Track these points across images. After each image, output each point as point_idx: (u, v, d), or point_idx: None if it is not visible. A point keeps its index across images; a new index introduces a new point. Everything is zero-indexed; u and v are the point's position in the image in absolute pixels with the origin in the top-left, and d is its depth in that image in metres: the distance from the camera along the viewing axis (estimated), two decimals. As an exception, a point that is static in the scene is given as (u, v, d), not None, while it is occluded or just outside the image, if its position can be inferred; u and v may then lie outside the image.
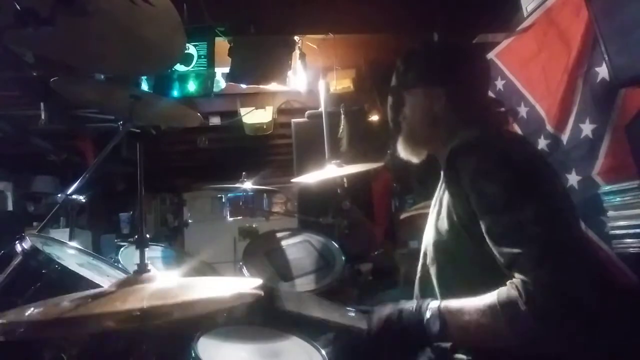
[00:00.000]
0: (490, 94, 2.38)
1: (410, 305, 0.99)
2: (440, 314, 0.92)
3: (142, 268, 0.89)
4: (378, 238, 3.52)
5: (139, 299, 0.75)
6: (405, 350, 0.99)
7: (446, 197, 1.04)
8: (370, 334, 0.99)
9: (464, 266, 1.00)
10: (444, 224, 1.03)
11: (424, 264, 1.14)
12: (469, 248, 0.97)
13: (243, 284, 0.88)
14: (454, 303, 0.92)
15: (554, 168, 1.10)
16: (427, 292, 1.10)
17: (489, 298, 0.86)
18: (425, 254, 1.14)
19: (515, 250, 0.84)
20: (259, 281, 0.88)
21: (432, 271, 1.09)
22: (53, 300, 0.83)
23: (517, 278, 0.83)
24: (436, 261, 1.08)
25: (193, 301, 0.75)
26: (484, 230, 0.91)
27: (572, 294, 0.79)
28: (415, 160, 1.24)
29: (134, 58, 1.34)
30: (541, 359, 0.86)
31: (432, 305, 0.95)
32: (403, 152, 1.24)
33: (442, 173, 1.08)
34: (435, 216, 1.10)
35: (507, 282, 0.86)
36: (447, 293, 1.01)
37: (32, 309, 0.78)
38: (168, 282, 0.89)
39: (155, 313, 0.68)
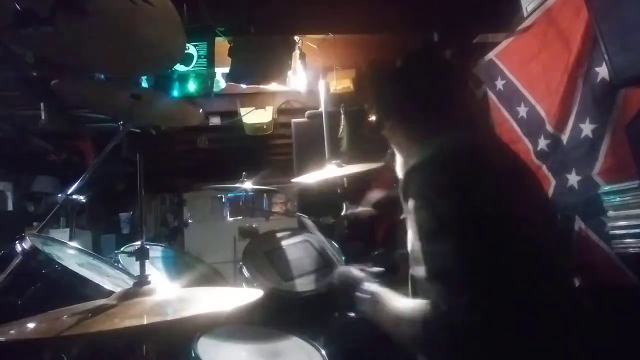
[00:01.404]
0: (491, 94, 2.39)
1: (358, 277, 1.18)
2: (370, 298, 1.09)
3: (143, 280, 0.90)
4: (378, 238, 3.52)
5: (138, 315, 0.75)
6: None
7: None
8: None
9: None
10: (413, 232, 1.09)
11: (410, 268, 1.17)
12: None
13: (242, 296, 0.88)
14: (384, 293, 1.09)
15: (514, 185, 1.05)
16: (417, 293, 1.11)
17: (407, 307, 0.99)
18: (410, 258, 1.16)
19: (431, 274, 0.93)
20: (259, 292, 0.90)
21: (413, 276, 1.11)
22: (53, 314, 0.83)
23: (433, 297, 0.91)
24: (413, 266, 1.10)
25: (192, 317, 0.76)
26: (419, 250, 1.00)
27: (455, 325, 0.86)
28: None
29: (134, 58, 1.34)
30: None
31: (369, 287, 1.12)
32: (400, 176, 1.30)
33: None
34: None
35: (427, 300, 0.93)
36: (424, 298, 1.03)
37: (32, 323, 0.78)
38: (168, 294, 0.89)
39: (154, 329, 0.69)
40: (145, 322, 0.72)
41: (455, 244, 0.90)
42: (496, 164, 1.06)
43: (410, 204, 1.02)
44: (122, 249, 1.73)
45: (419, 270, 0.99)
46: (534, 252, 0.95)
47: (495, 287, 0.88)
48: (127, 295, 0.86)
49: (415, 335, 0.94)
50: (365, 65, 1.42)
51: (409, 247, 1.12)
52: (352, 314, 1.25)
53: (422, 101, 1.17)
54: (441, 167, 1.03)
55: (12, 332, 0.75)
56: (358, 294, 1.13)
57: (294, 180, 2.29)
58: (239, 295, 0.91)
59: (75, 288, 1.12)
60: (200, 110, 1.88)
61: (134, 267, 1.17)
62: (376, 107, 1.28)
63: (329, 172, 2.06)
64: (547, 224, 1.08)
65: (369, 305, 1.10)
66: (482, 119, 1.27)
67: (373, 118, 1.30)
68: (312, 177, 2.09)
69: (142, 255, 0.94)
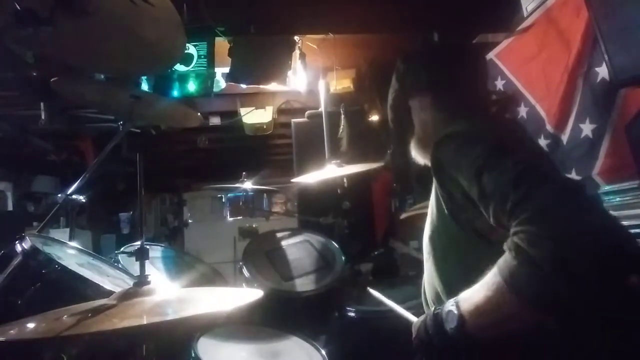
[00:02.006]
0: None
1: (432, 310, 0.94)
2: (456, 304, 0.87)
3: (142, 280, 0.90)
4: (378, 238, 3.52)
5: (138, 315, 0.76)
6: None
7: (436, 190, 1.06)
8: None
9: (461, 258, 1.01)
10: (438, 218, 1.05)
11: (426, 260, 1.15)
12: (463, 239, 0.98)
13: (242, 296, 0.88)
14: (466, 291, 0.88)
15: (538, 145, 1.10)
16: (431, 289, 1.11)
17: (492, 270, 0.81)
18: (425, 251, 1.15)
19: (502, 206, 0.80)
20: (259, 292, 0.89)
21: (433, 266, 1.09)
22: (53, 314, 0.83)
23: (510, 237, 0.78)
24: (435, 256, 1.09)
25: (192, 317, 0.76)
26: (479, 204, 0.88)
27: (570, 239, 0.70)
28: (424, 161, 1.28)
29: (134, 58, 1.34)
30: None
31: (451, 301, 0.89)
32: (415, 156, 1.29)
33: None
34: (431, 212, 1.12)
35: (504, 246, 0.80)
36: (449, 287, 1.01)
37: (32, 323, 0.78)
38: (168, 294, 0.89)
39: (154, 329, 0.69)
40: (145, 322, 0.72)
41: (533, 156, 0.86)
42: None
43: (449, 168, 0.95)
44: (122, 249, 1.73)
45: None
46: None
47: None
48: (127, 295, 0.86)
49: (515, 276, 0.74)
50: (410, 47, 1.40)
51: (429, 231, 1.09)
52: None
53: (472, 79, 1.20)
54: (487, 131, 1.00)
55: (12, 332, 0.75)
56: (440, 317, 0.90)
57: (294, 180, 2.29)
58: (239, 295, 0.91)
59: (75, 288, 1.12)
60: (199, 114, 1.87)
61: (134, 267, 1.17)
62: (410, 79, 1.25)
63: (329, 172, 2.06)
64: None
65: (458, 308, 0.87)
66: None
67: (403, 86, 1.28)
68: (312, 177, 2.09)
69: (142, 255, 0.94)
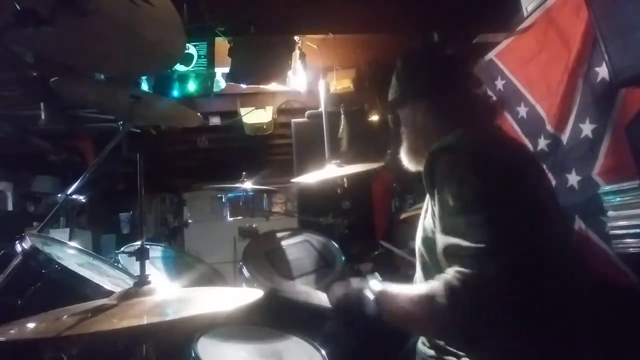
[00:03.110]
0: (491, 94, 2.39)
1: (356, 286, 1.06)
2: (376, 297, 0.99)
3: (143, 280, 0.90)
4: (378, 238, 3.52)
5: (138, 315, 0.75)
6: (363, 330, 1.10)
7: (427, 198, 1.07)
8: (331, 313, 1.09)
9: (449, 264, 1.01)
10: (429, 224, 1.06)
11: (417, 263, 1.16)
12: None
13: (243, 296, 0.88)
14: (393, 288, 0.99)
15: (537, 173, 1.09)
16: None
17: (422, 288, 0.91)
18: (417, 254, 1.15)
19: (458, 243, 0.87)
20: (259, 292, 0.89)
21: (423, 269, 1.10)
22: (53, 314, 0.83)
23: (450, 271, 0.86)
24: (424, 259, 1.10)
25: (192, 317, 0.76)
26: (440, 230, 0.94)
27: (496, 297, 0.80)
28: (416, 168, 1.27)
29: (134, 58, 1.35)
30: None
31: (373, 287, 1.02)
32: (406, 163, 1.30)
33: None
34: (423, 216, 1.14)
35: (442, 274, 0.88)
36: None
37: (32, 323, 0.78)
38: (168, 294, 0.89)
39: (154, 329, 0.69)
40: (145, 322, 0.72)
41: (502, 211, 0.87)
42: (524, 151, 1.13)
43: (443, 180, 0.97)
44: (122, 249, 1.73)
45: (447, 241, 0.92)
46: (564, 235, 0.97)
47: (534, 255, 0.84)
48: (127, 295, 0.86)
49: (438, 312, 0.85)
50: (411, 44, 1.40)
51: (421, 235, 1.11)
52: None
53: (469, 87, 1.21)
54: (481, 147, 1.02)
55: (12, 332, 0.75)
56: (364, 301, 1.02)
57: (294, 180, 2.29)
58: (239, 295, 0.91)
59: (75, 288, 1.12)
60: (198, 114, 1.87)
61: (134, 267, 1.17)
62: (405, 84, 1.26)
63: (329, 172, 2.06)
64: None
65: (379, 304, 0.99)
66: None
67: (393, 96, 1.29)
68: (312, 177, 2.09)
69: (142, 255, 0.94)
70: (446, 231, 0.91)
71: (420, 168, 1.21)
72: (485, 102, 1.24)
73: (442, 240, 0.92)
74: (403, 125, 1.28)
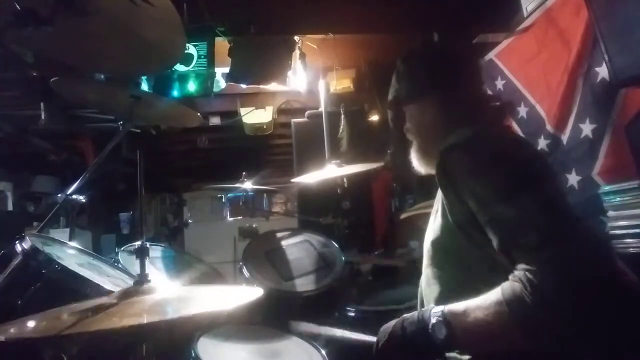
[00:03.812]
0: (489, 92, 2.39)
1: (413, 314, 0.95)
2: (445, 318, 0.88)
3: (143, 278, 0.89)
4: (378, 238, 3.52)
5: (138, 314, 0.75)
6: None
7: (441, 198, 1.04)
8: (378, 349, 0.98)
9: (463, 266, 1.00)
10: (441, 225, 1.04)
11: (426, 265, 1.15)
12: (466, 248, 0.97)
13: (243, 294, 0.88)
14: (458, 305, 0.89)
15: (551, 168, 1.09)
16: (429, 294, 1.10)
17: (494, 295, 0.82)
18: (426, 255, 1.15)
19: (516, 240, 0.82)
20: (259, 290, 0.88)
21: (433, 272, 1.09)
22: (53, 312, 0.83)
23: (520, 270, 0.80)
24: (436, 262, 1.08)
25: (192, 316, 0.76)
26: (485, 226, 0.89)
27: (582, 278, 0.74)
28: (428, 170, 1.24)
29: (134, 58, 1.34)
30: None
31: (436, 310, 0.91)
32: (416, 165, 1.27)
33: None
34: (434, 216, 1.11)
35: (510, 276, 0.82)
36: (448, 294, 1.00)
37: (32, 322, 0.78)
38: (168, 293, 0.89)
39: (154, 328, 0.69)
40: (145, 321, 0.72)
41: (541, 191, 0.84)
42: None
43: (458, 183, 0.94)
44: (122, 248, 1.72)
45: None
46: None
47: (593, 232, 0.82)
48: (127, 294, 0.86)
49: (523, 314, 0.77)
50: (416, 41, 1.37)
51: (431, 236, 1.08)
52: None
53: (475, 83, 1.20)
54: (496, 141, 1.00)
55: (12, 331, 0.75)
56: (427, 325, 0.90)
57: (294, 180, 2.29)
58: (239, 295, 0.91)
59: (76, 288, 1.12)
60: (198, 114, 1.87)
61: (134, 267, 1.17)
62: (414, 80, 1.22)
63: (329, 172, 2.06)
64: None
65: (450, 322, 0.87)
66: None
67: (401, 93, 1.25)
68: (312, 177, 2.09)
69: (142, 254, 0.93)
70: (493, 228, 0.86)
71: (430, 170, 1.19)
72: (493, 100, 1.24)
73: (495, 232, 0.86)
74: (409, 123, 1.24)
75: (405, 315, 0.98)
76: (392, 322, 0.99)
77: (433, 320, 0.89)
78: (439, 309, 0.91)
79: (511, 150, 0.96)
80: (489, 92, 1.26)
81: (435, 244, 1.07)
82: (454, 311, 0.88)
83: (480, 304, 0.85)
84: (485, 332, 0.83)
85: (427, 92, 1.18)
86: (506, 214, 0.85)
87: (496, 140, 1.01)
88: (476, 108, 1.15)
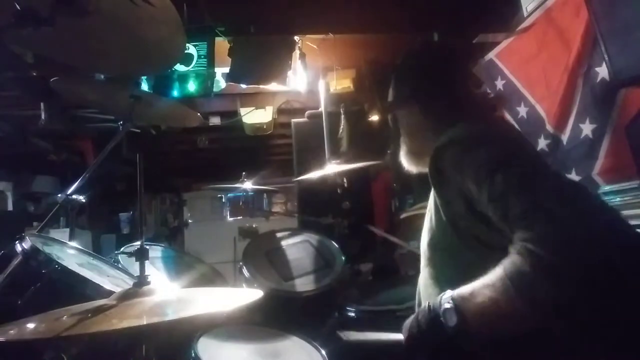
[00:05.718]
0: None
1: (424, 306, 0.93)
2: (454, 302, 0.85)
3: (142, 280, 0.89)
4: (378, 238, 3.52)
5: (137, 315, 0.75)
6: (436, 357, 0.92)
7: (434, 197, 1.05)
8: (405, 348, 0.97)
9: (459, 266, 1.00)
10: (436, 225, 1.04)
11: (423, 266, 1.15)
12: (462, 247, 0.97)
13: (243, 296, 0.88)
14: (465, 288, 0.87)
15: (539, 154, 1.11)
16: (427, 294, 1.10)
17: (496, 271, 0.81)
18: (423, 256, 1.15)
19: (513, 210, 0.81)
20: (259, 292, 0.88)
21: (430, 272, 1.09)
22: (53, 314, 0.83)
23: (517, 242, 0.79)
24: (433, 262, 1.08)
25: (192, 317, 0.76)
26: (486, 207, 0.88)
27: (581, 243, 0.72)
28: (417, 170, 1.26)
29: (134, 58, 1.35)
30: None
31: (446, 296, 0.88)
32: (407, 166, 1.29)
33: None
34: (428, 217, 1.12)
35: (510, 250, 0.80)
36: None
37: (32, 324, 0.78)
38: (167, 295, 0.89)
39: (153, 330, 0.68)
40: (144, 322, 0.72)
41: (533, 164, 0.86)
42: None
43: (450, 177, 0.95)
44: (122, 249, 1.73)
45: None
46: None
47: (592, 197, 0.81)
48: (127, 296, 0.86)
49: (524, 285, 0.75)
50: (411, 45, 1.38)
51: (427, 237, 1.08)
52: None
53: (462, 81, 1.21)
54: (487, 136, 1.00)
55: (12, 332, 0.75)
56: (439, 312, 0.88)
57: (295, 179, 2.29)
58: (239, 295, 0.91)
59: (75, 288, 1.12)
60: (198, 114, 1.87)
61: (134, 267, 1.17)
62: (400, 87, 1.25)
63: (329, 171, 2.06)
64: None
65: (460, 307, 0.85)
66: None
67: (391, 96, 1.28)
68: (312, 177, 2.10)
69: (142, 255, 0.93)
70: (492, 205, 0.85)
71: (422, 169, 1.21)
72: (483, 100, 1.24)
73: (495, 207, 0.85)
74: (400, 126, 1.28)
75: (421, 307, 0.96)
76: (411, 317, 0.98)
77: (445, 306, 0.87)
78: (448, 293, 0.89)
79: (502, 133, 0.99)
80: (481, 92, 1.26)
81: (431, 244, 1.08)
82: (462, 294, 0.87)
83: (486, 282, 0.83)
84: (494, 312, 0.81)
85: (410, 99, 1.21)
86: (500, 184, 0.84)
87: (487, 134, 1.02)
88: (462, 111, 1.15)
